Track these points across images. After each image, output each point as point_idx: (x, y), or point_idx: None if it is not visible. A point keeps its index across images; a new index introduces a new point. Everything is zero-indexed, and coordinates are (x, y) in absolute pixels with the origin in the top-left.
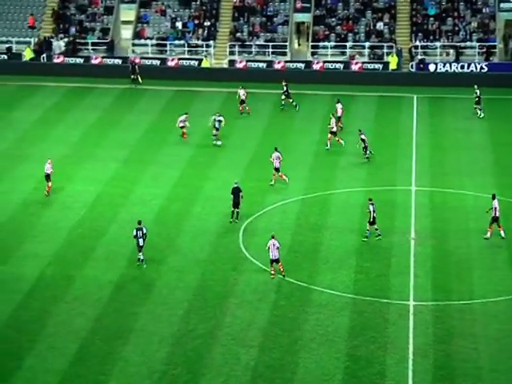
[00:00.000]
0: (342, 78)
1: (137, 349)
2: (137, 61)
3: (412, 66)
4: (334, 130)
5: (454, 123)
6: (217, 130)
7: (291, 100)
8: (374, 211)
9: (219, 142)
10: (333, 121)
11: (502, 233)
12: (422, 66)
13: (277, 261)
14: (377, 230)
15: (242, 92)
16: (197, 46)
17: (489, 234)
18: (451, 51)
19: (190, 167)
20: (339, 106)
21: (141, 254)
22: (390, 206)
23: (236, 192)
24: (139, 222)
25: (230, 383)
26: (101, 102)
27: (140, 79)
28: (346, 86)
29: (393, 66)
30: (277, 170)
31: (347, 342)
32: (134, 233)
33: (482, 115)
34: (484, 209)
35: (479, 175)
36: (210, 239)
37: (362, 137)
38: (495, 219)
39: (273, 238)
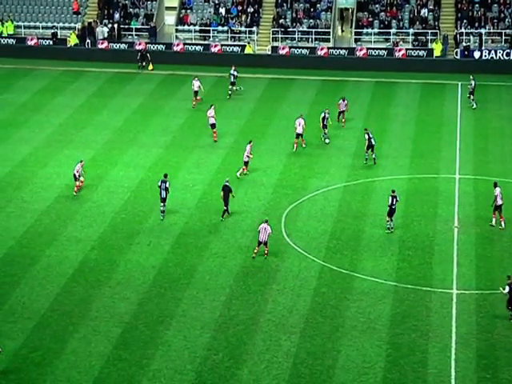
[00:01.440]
0: (386, 64)
1: (179, 334)
2: (176, 48)
3: (457, 52)
4: (300, 132)
5: (498, 110)
6: (325, 126)
7: (235, 88)
8: (393, 204)
9: (327, 140)
10: (300, 122)
11: (502, 223)
12: (466, 52)
13: (265, 243)
14: (392, 221)
15: (196, 84)
16: (240, 32)
17: (494, 221)
18: (471, 38)
19: (231, 153)
20: (344, 102)
21: (162, 205)
22: (434, 194)
23: (226, 190)
24: (165, 175)
25: (272, 369)
26: (144, 88)
27: (151, 66)
28: (390, 72)
29: (437, 52)
30: (246, 163)
31: (389, 329)
32: (159, 183)
33: (475, 105)
34: None
35: None
36: (252, 225)
37: (367, 136)
38: (497, 207)
39: (266, 222)
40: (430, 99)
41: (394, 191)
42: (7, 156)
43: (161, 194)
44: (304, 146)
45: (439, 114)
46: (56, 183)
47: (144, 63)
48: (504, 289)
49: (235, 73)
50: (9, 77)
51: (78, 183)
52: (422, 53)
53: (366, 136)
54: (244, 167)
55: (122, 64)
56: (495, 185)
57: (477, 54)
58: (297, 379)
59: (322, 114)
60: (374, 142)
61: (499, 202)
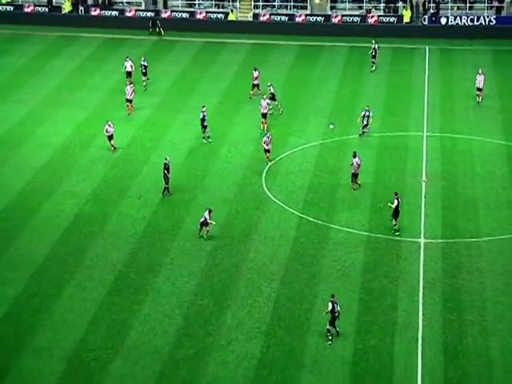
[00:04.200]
0: (359, 30)
1: (167, 281)
2: (164, 15)
3: (424, 19)
4: (265, 112)
5: (463, 73)
6: (365, 125)
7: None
8: (397, 205)
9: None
10: (264, 102)
11: (357, 185)
12: (434, 19)
13: (206, 224)
14: (395, 225)
15: (128, 64)
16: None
17: (354, 187)
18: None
19: (217, 114)
20: (256, 73)
21: (206, 130)
22: (403, 151)
23: (167, 168)
24: (203, 106)
25: (254, 313)
26: (134, 52)
27: (162, 31)
28: (363, 38)
29: (406, 19)
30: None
31: (362, 276)
32: (201, 116)
33: (374, 68)
34: (490, 153)
35: (486, 122)
36: (235, 180)
37: (367, 113)
38: (354, 175)
39: (210, 211)
40: (400, 63)
41: (396, 193)
42: (6, 116)
43: (203, 123)
44: (263, 130)
45: (408, 77)
46: (52, 141)
47: (157, 30)
48: (328, 306)
49: (145, 63)
50: (7, 42)
51: (111, 142)
52: (392, 19)
53: (367, 113)
54: (267, 155)
55: (113, 30)
56: (354, 155)
57: (443, 20)
58: (277, 322)
59: (363, 112)
60: (369, 120)
61: (356, 171)
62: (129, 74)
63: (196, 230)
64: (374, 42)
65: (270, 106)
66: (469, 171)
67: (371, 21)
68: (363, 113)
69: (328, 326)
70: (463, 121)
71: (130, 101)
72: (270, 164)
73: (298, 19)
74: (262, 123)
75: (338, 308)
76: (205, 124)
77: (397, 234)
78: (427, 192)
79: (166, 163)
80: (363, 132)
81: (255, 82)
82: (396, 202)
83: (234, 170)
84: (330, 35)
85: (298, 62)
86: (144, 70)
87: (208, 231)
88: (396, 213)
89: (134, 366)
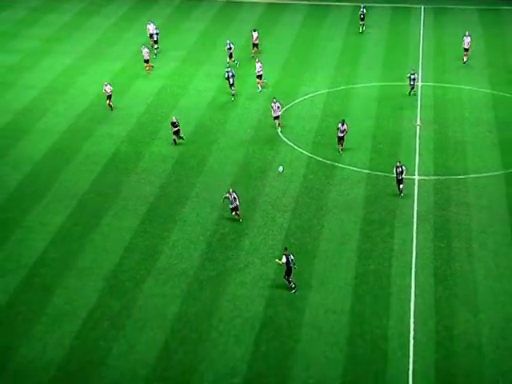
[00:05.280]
0: None
1: (193, 211)
2: None
3: None
4: (260, 73)
5: (454, 31)
6: (413, 87)
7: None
8: (399, 173)
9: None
10: (258, 64)
11: (341, 151)
12: None
13: (236, 208)
14: (401, 190)
15: (151, 27)
16: None
17: (341, 149)
18: None
19: (235, 67)
20: (255, 34)
21: (232, 89)
22: (401, 98)
23: (175, 125)
24: (228, 66)
25: (268, 240)
26: (163, 12)
27: None
28: None
29: None
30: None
31: (363, 208)
32: (226, 75)
33: (362, 30)
34: (478, 101)
35: (475, 74)
36: (252, 123)
37: (412, 76)
38: (340, 138)
39: (234, 191)
40: (398, 21)
41: (399, 161)
42: (52, 66)
43: (229, 81)
44: (260, 88)
45: (405, 34)
46: (92, 89)
47: None
48: (281, 259)
49: (157, 31)
50: (52, 1)
51: (109, 102)
52: None
53: (412, 76)
54: (278, 122)
55: None
56: (342, 122)
57: None
58: (288, 248)
59: (408, 75)
60: (415, 82)
61: (339, 134)
62: (151, 36)
63: (233, 214)
64: (362, 6)
65: (229, 64)
66: (458, 117)
67: None
68: (409, 75)
69: (285, 277)
70: (453, 73)
71: (146, 61)
72: (279, 130)
73: None
74: (257, 83)
75: (292, 258)
76: (231, 82)
77: (399, 195)
78: (421, 135)
79: (172, 122)
80: (413, 91)
81: (255, 42)
82: (398, 169)
83: (250, 115)
84: None
85: (308, 21)
86: (156, 38)
87: (238, 214)
88: (398, 181)
89: (163, 285)
